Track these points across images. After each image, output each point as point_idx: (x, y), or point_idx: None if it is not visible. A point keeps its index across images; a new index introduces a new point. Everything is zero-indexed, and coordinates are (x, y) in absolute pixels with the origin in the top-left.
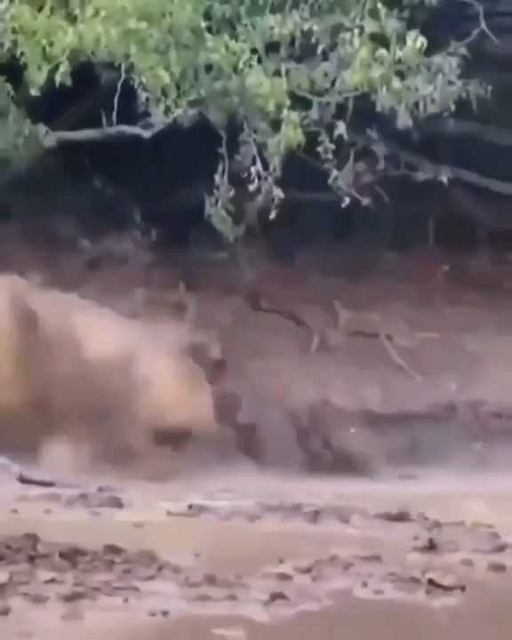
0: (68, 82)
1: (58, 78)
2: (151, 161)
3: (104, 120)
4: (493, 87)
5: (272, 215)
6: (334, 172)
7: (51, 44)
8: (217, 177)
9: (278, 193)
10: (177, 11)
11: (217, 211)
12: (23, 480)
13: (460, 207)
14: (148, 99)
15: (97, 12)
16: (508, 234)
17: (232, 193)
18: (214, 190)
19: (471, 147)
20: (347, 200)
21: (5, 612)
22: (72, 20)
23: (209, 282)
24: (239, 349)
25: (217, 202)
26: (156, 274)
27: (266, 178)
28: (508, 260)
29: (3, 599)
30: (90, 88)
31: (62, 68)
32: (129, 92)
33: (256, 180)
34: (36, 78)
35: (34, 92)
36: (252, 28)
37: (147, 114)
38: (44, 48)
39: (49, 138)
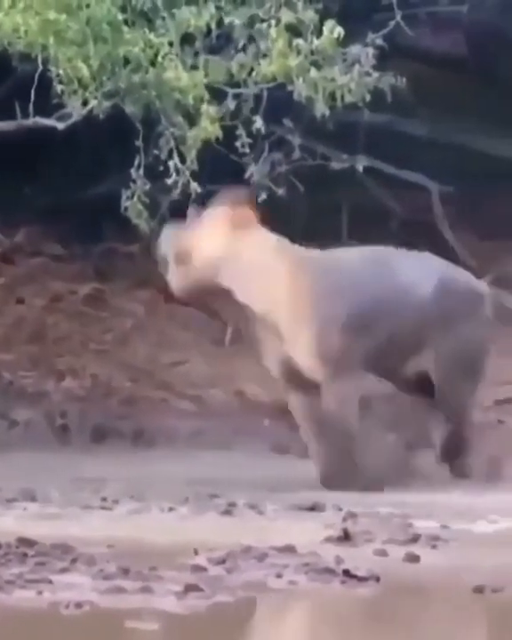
0: None
1: None
2: (66, 154)
3: (19, 112)
4: (408, 78)
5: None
6: (251, 167)
7: None
8: (133, 170)
9: (195, 186)
10: (94, 3)
11: (133, 204)
12: None
13: (373, 198)
14: (63, 91)
15: (14, 3)
16: (420, 224)
17: (148, 186)
18: (131, 183)
19: (385, 137)
20: (263, 195)
21: None
22: None
23: (122, 274)
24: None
25: (133, 195)
26: (66, 266)
27: (183, 171)
28: (421, 251)
29: None
30: (2, 80)
31: None
32: (43, 85)
33: (174, 174)
34: None
35: None
36: (170, 21)
37: (61, 105)
38: None
39: None
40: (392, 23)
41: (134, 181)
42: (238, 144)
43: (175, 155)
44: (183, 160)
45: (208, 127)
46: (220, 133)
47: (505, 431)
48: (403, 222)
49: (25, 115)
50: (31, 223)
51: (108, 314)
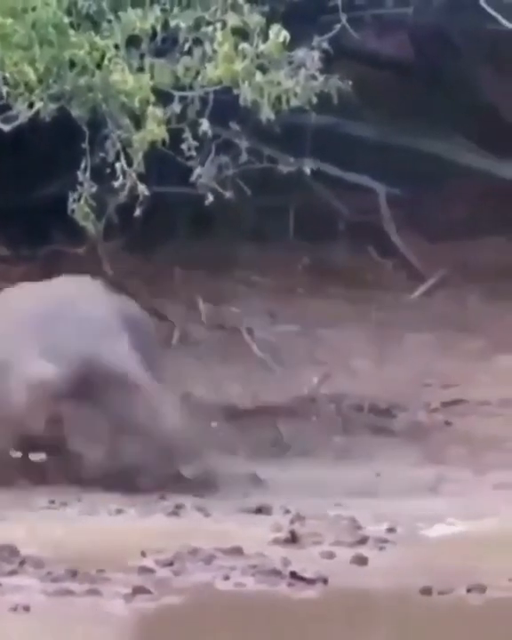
0: None
1: None
2: (12, 156)
3: None
4: (354, 81)
5: (137, 212)
6: (197, 170)
7: None
8: (79, 173)
9: (143, 189)
10: (40, 6)
11: (79, 206)
12: None
13: (320, 200)
14: (9, 93)
15: None
16: (367, 226)
17: (95, 189)
18: (77, 186)
19: (332, 140)
20: (210, 197)
21: None
22: None
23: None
24: None
25: (80, 197)
26: (13, 268)
27: (129, 174)
28: (368, 252)
29: None
30: None
31: None
32: None
33: (120, 177)
34: None
35: None
36: (116, 23)
37: (7, 107)
38: None
39: None
40: (338, 26)
41: (81, 184)
42: (184, 147)
43: (122, 157)
44: (130, 162)
45: (154, 129)
46: (165, 136)
47: (452, 433)
48: (350, 225)
49: None
50: None
51: None
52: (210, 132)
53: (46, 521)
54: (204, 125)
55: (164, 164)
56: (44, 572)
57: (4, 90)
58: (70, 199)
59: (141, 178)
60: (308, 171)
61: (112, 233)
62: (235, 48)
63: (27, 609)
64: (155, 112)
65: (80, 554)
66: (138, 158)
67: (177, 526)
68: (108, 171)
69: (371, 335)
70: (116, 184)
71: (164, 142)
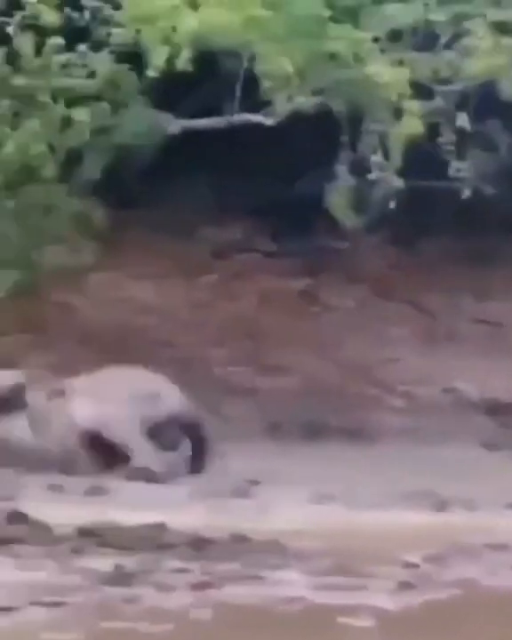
0: (190, 68)
1: (179, 64)
2: (272, 150)
3: (226, 108)
4: None
5: (391, 205)
6: (454, 163)
7: (173, 30)
8: (338, 166)
9: (398, 183)
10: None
11: (337, 200)
12: None
13: None
14: (269, 87)
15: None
16: None
17: (353, 182)
18: (335, 179)
19: None
20: (467, 192)
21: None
22: (194, 6)
23: (332, 270)
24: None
25: (337, 191)
26: (278, 262)
27: (386, 168)
28: None
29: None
30: (210, 76)
31: (184, 54)
32: (249, 81)
33: (377, 170)
34: (157, 61)
35: (152, 73)
36: (376, 17)
37: (268, 102)
38: (165, 33)
39: (174, 126)
40: None
41: (338, 177)
42: (442, 140)
43: (379, 151)
44: (387, 156)
45: (411, 123)
46: (422, 130)
47: None
48: None
49: (231, 111)
50: (244, 219)
51: (320, 309)
52: (468, 126)
53: (311, 515)
54: (462, 119)
55: (426, 157)
56: (308, 566)
57: (265, 84)
58: (327, 193)
59: (399, 171)
60: None
61: (376, 228)
62: (496, 42)
63: (291, 602)
64: (412, 106)
65: (344, 548)
66: (396, 152)
67: (442, 521)
68: (366, 164)
69: None
70: (372, 177)
71: (421, 136)
